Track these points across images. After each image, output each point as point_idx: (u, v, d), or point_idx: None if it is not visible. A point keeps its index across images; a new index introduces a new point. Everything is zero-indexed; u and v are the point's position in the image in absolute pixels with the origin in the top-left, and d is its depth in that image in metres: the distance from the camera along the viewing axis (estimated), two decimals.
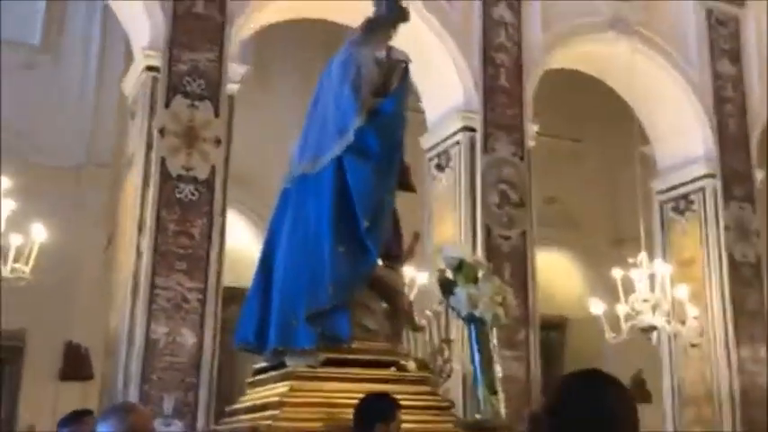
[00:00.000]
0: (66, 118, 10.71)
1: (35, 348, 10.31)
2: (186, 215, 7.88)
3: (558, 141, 12.31)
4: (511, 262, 9.04)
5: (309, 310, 4.92)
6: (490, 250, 8.88)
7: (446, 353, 7.05)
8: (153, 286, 7.67)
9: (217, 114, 8.15)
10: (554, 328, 13.40)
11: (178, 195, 7.88)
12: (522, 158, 9.47)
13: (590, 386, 2.08)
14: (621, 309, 9.32)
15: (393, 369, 5.21)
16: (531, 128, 9.61)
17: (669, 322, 9.18)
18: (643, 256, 9.27)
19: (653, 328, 9.19)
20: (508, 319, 5.66)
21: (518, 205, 9.30)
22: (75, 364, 10.24)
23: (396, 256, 5.48)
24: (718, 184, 10.47)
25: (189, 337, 7.69)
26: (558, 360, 13.58)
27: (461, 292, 5.38)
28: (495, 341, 5.66)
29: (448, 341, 7.20)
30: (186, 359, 7.67)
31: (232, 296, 8.55)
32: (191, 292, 7.78)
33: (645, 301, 9.24)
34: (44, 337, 10.18)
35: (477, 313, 5.37)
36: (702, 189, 10.55)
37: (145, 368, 7.52)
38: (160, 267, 7.72)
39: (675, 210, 10.77)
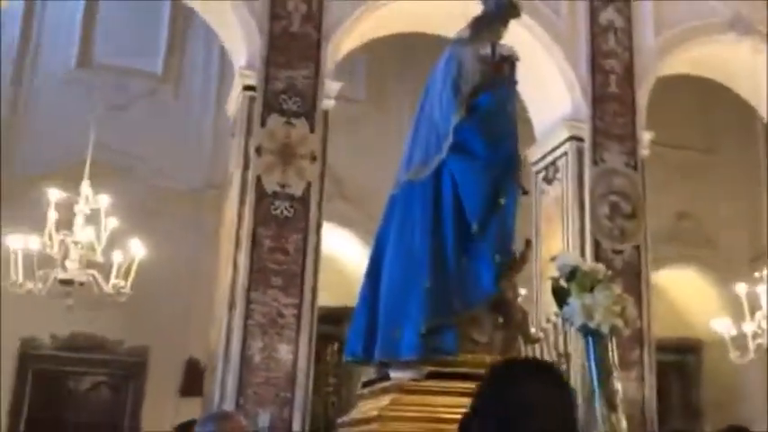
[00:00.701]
0: (186, 143, 11.08)
1: (157, 365, 10.64)
2: (282, 231, 7.94)
3: (683, 152, 11.66)
4: (623, 278, 8.51)
5: (429, 323, 4.70)
6: None
7: (563, 367, 6.69)
8: (249, 302, 7.75)
9: (312, 130, 8.20)
10: (690, 351, 12.69)
11: (274, 212, 7.95)
12: (635, 168, 9.03)
13: (504, 376, 1.89)
14: (748, 327, 8.73)
15: None
16: (645, 136, 9.14)
17: None
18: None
19: None
20: (629, 330, 5.25)
21: (630, 217, 8.86)
22: (194, 380, 10.47)
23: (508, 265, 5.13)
24: None
25: (284, 353, 7.72)
26: (695, 383, 12.86)
27: (575, 301, 5.01)
28: (615, 354, 5.27)
29: (565, 355, 6.85)
30: (282, 374, 7.69)
31: (342, 316, 8.52)
32: (286, 307, 7.81)
33: None
34: (166, 354, 10.50)
35: (592, 324, 4.97)
36: None
37: (241, 383, 7.60)
38: (256, 283, 7.80)
39: None
